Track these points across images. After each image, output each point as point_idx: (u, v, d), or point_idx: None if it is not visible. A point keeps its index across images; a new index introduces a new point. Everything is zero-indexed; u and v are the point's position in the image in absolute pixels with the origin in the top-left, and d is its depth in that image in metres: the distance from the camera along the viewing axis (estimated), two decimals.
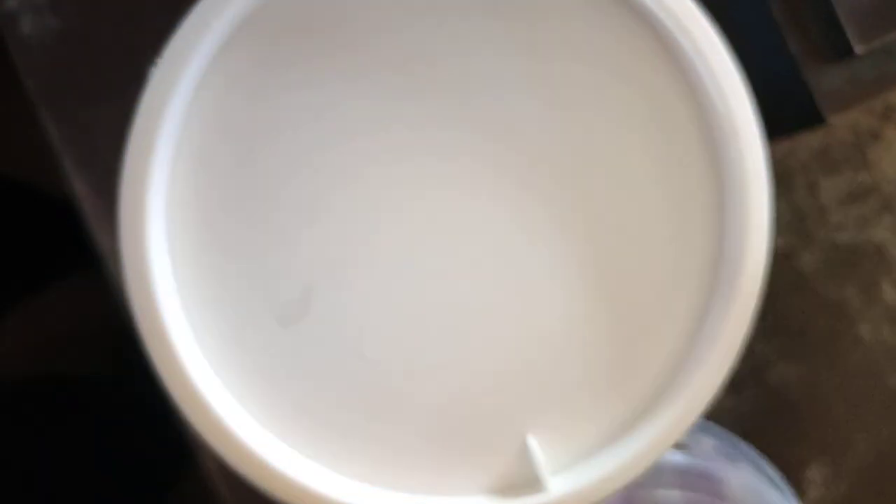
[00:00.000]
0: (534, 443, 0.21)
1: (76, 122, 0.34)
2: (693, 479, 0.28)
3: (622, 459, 0.21)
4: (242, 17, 0.20)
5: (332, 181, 0.21)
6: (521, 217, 0.21)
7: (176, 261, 0.21)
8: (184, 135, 0.21)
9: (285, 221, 0.21)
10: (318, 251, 0.21)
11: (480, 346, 0.21)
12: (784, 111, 0.35)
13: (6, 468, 0.54)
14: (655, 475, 0.28)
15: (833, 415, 0.36)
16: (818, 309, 0.37)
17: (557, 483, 0.21)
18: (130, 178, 0.20)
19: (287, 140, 0.21)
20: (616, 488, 0.21)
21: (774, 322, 0.36)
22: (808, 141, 0.37)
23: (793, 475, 0.36)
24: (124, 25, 0.34)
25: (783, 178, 0.37)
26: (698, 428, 0.34)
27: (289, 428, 0.21)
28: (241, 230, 0.21)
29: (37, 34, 0.33)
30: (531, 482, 0.21)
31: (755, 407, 0.36)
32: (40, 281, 0.52)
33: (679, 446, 0.31)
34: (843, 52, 0.31)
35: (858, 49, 0.31)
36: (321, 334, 0.21)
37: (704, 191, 0.21)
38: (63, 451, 0.55)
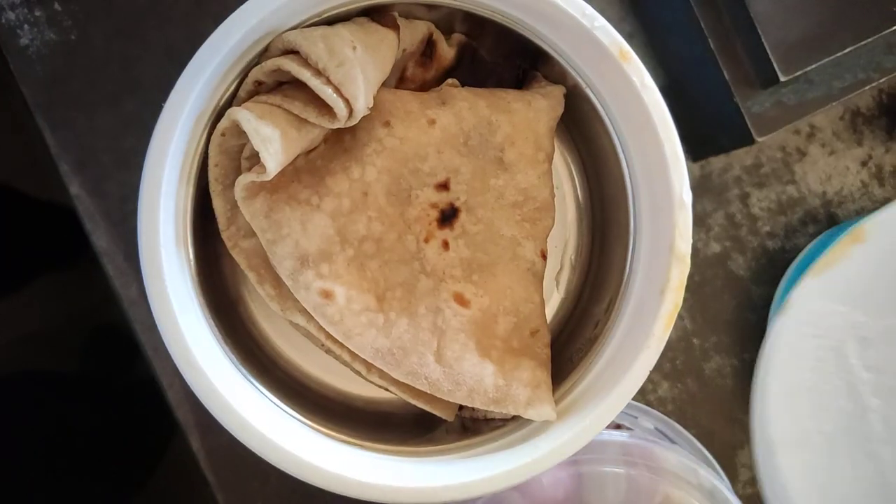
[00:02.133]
0: None
1: (72, 129, 0.36)
2: (635, 457, 0.31)
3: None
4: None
5: None
6: None
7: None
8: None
9: None
10: None
11: None
12: (720, 132, 0.39)
13: None
14: (601, 453, 0.31)
15: None
16: (749, 308, 0.41)
17: None
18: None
19: None
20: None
21: (711, 319, 0.40)
22: (742, 158, 0.41)
23: (726, 457, 0.40)
24: (117, 39, 0.36)
25: (720, 191, 0.41)
26: (640, 412, 0.38)
27: None
28: None
29: (35, 46, 0.35)
30: None
31: (693, 395, 0.40)
32: (20, 280, 0.53)
33: (623, 428, 0.35)
34: (770, 80, 0.35)
35: (783, 77, 0.35)
36: None
37: None
38: (47, 444, 0.55)
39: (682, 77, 0.38)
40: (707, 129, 0.38)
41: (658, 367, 0.25)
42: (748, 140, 0.37)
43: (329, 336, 0.25)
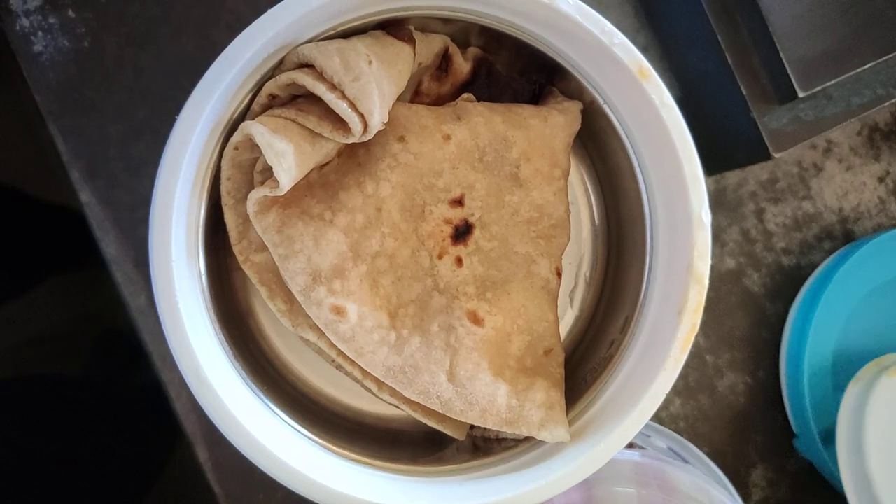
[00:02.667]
0: None
1: (83, 136, 0.35)
2: (647, 477, 0.31)
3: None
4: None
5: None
6: None
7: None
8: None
9: None
10: None
11: None
12: (736, 146, 0.38)
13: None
14: (614, 473, 0.30)
15: (776, 422, 0.40)
16: (764, 325, 0.40)
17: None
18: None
19: None
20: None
21: (725, 335, 0.40)
22: (758, 173, 0.41)
23: (739, 477, 0.39)
24: (130, 47, 0.36)
25: (735, 206, 0.40)
26: (653, 431, 0.37)
27: None
28: None
29: (48, 53, 0.35)
30: None
31: (706, 413, 0.39)
32: (28, 284, 0.53)
33: (636, 447, 0.34)
34: (787, 96, 0.35)
35: (802, 93, 0.34)
36: None
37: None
38: (51, 448, 0.55)
39: (697, 91, 0.38)
40: (722, 143, 0.38)
41: None
42: (765, 155, 0.36)
43: (340, 353, 0.25)
